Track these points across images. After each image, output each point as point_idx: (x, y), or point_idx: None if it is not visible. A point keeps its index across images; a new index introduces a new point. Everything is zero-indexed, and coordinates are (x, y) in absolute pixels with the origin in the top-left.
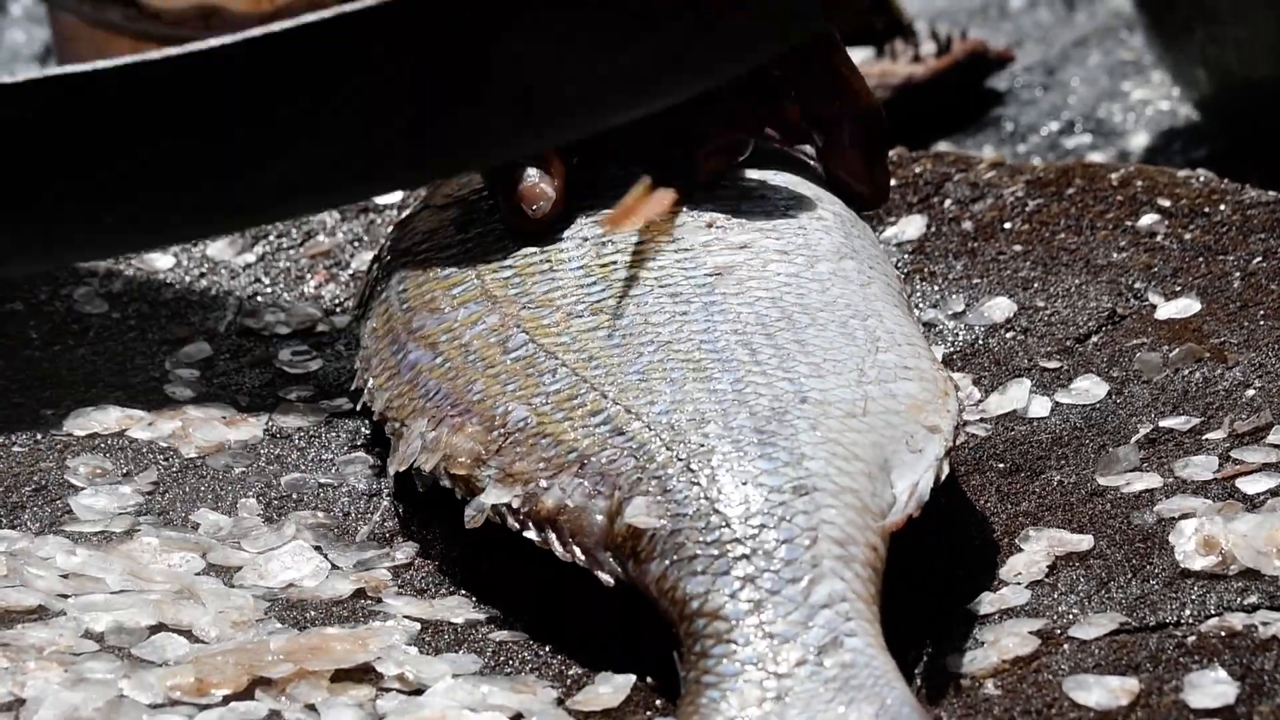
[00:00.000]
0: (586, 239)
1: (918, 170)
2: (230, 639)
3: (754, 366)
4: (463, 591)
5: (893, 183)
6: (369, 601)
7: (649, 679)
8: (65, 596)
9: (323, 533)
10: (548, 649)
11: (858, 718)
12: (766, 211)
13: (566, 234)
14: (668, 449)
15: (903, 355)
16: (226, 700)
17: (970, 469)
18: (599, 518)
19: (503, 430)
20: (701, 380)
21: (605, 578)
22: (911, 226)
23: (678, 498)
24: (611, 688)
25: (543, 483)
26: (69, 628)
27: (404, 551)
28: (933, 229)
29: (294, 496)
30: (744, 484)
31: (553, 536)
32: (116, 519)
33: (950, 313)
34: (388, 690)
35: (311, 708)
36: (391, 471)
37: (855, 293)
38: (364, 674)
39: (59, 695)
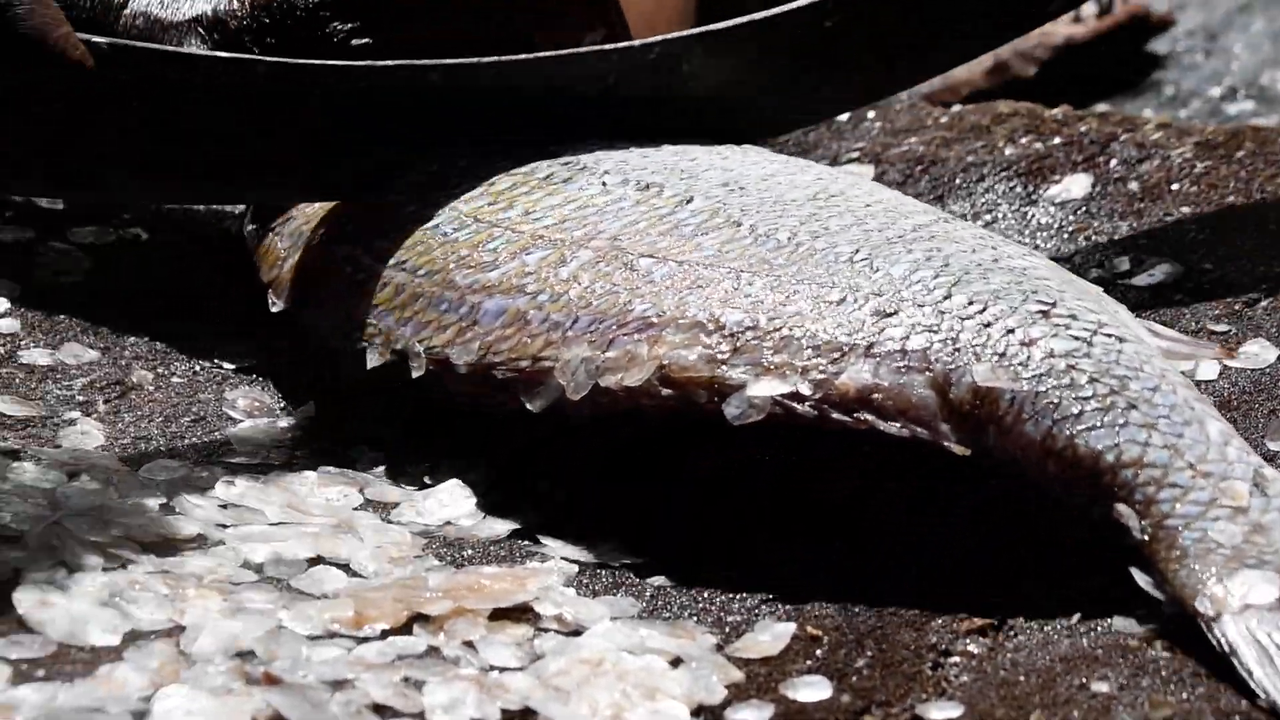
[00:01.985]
0: (581, 172)
1: (1083, 129)
2: (388, 574)
3: (937, 243)
4: (619, 535)
5: (1057, 140)
6: (525, 542)
7: (808, 628)
8: (224, 526)
9: (480, 473)
10: (705, 594)
11: None
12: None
13: (552, 175)
14: (961, 319)
15: (1007, 239)
16: (385, 634)
17: None
18: (925, 391)
19: (724, 333)
20: (909, 255)
21: (959, 449)
22: (1076, 185)
23: (1019, 360)
24: (771, 635)
25: (828, 368)
26: (228, 557)
27: (561, 493)
28: (1098, 188)
29: (450, 435)
30: (1075, 340)
31: (870, 417)
32: (274, 451)
33: (1115, 273)
34: (545, 630)
35: (469, 644)
36: (576, 397)
37: (921, 204)
38: (521, 613)
39: (218, 624)
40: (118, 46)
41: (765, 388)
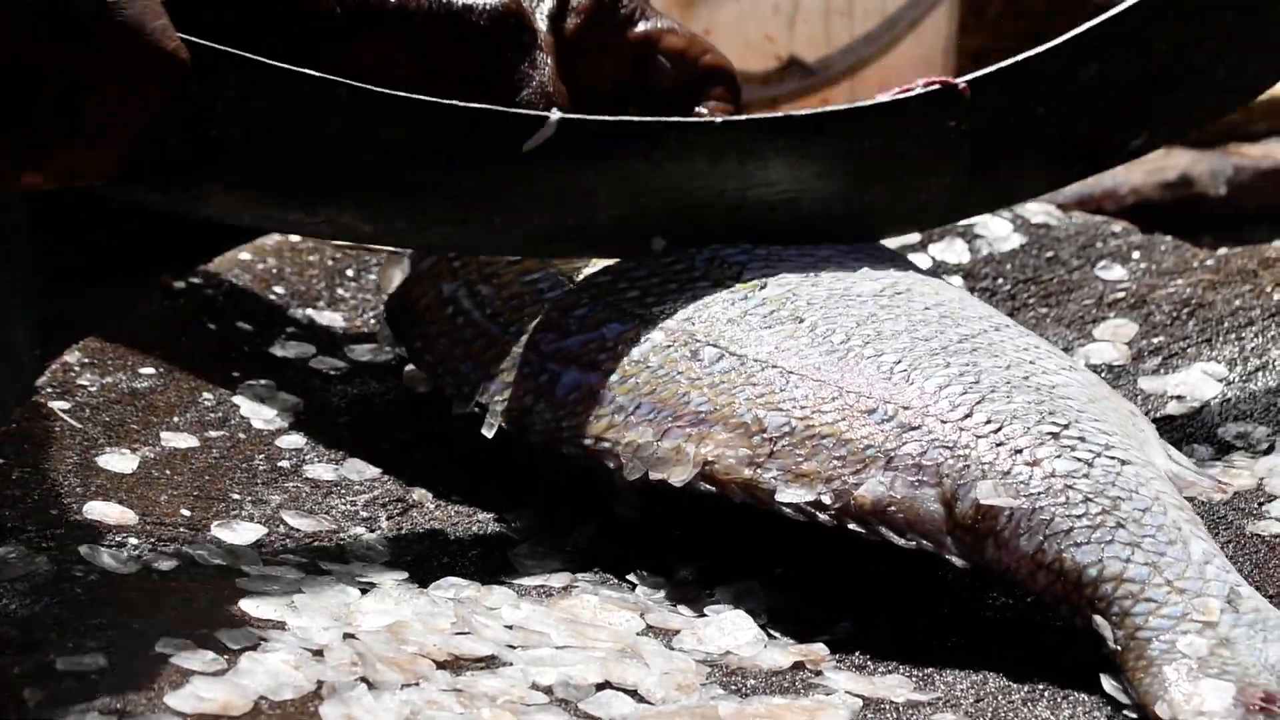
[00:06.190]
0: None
1: None
2: (676, 702)
3: (977, 356)
4: (902, 670)
5: None
6: (808, 674)
7: None
8: (512, 647)
9: (757, 601)
10: None
11: None
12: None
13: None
14: (977, 437)
15: (1054, 349)
16: None
17: None
18: (934, 505)
19: (765, 436)
20: (945, 370)
21: (959, 561)
22: None
23: (1021, 479)
24: None
25: (849, 479)
26: (518, 678)
27: (842, 626)
28: None
29: (727, 563)
30: (1077, 461)
31: (884, 529)
32: (555, 574)
33: None
34: None
35: None
36: (630, 479)
37: (981, 305)
38: None
39: None
40: (222, 54)
41: (792, 495)
